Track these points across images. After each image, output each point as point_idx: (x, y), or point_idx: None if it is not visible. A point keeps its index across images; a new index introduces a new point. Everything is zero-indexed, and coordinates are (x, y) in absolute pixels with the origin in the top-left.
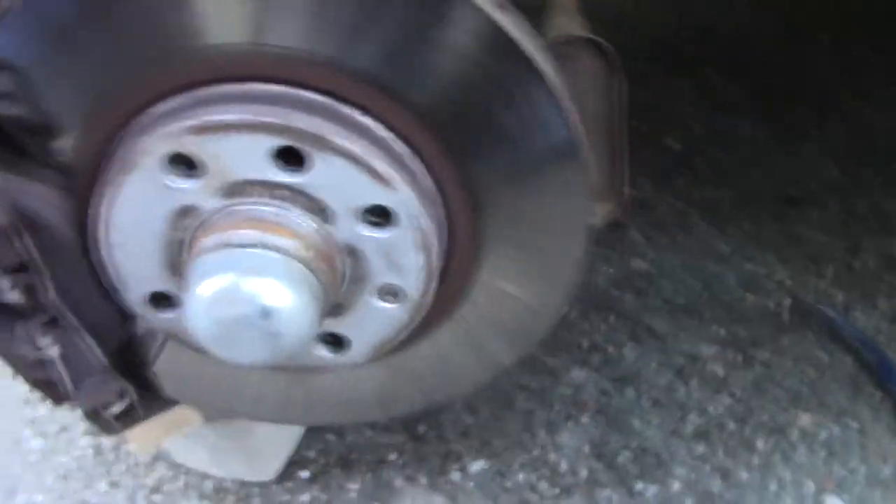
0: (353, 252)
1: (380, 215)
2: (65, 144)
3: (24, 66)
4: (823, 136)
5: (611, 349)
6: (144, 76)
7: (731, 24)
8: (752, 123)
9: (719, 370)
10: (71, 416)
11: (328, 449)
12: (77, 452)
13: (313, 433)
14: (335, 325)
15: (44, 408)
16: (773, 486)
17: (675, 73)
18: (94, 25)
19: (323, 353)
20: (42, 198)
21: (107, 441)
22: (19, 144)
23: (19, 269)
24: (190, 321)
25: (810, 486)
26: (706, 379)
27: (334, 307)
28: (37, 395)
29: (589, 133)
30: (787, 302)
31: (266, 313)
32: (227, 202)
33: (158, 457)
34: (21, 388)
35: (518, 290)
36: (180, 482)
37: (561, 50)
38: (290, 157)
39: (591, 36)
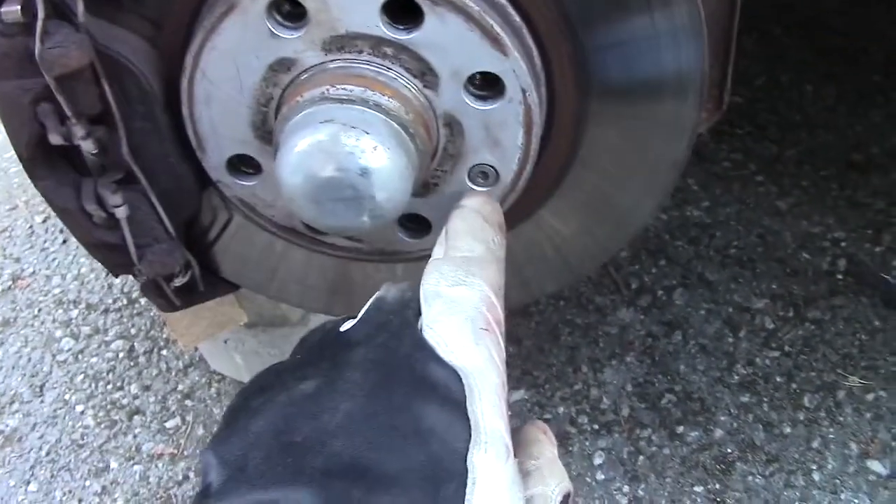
0: (451, 122)
1: (485, 87)
2: None
3: None
4: (889, 102)
5: (660, 293)
6: None
7: None
8: (816, 82)
9: (769, 323)
10: (104, 319)
11: None
12: (109, 355)
13: None
14: (418, 206)
15: (77, 310)
16: (815, 444)
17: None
18: None
19: (400, 234)
20: (128, 44)
21: (140, 345)
22: None
23: (95, 121)
24: (280, 177)
25: (853, 448)
26: (755, 331)
27: (421, 185)
28: (71, 297)
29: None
30: (843, 263)
31: (364, 172)
32: (328, 57)
33: (192, 364)
34: (56, 289)
35: (586, 222)
36: (213, 389)
37: None
38: (400, 14)
39: None
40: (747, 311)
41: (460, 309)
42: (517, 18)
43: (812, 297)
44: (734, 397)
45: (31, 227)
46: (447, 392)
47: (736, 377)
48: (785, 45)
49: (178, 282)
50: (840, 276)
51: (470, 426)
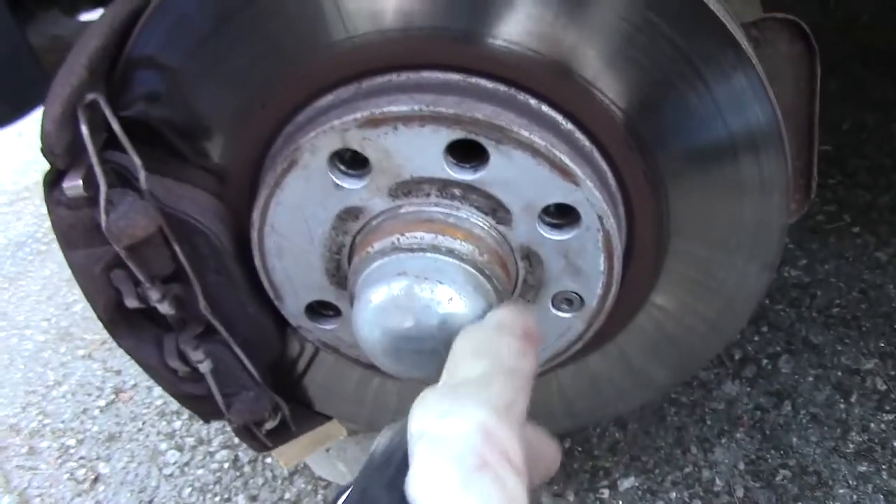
0: (529, 255)
1: (560, 215)
2: (218, 146)
3: (171, 65)
4: None
5: (765, 361)
6: (305, 68)
7: (876, 17)
8: None
9: (881, 384)
10: (207, 429)
11: None
12: (214, 466)
13: None
14: None
15: (180, 421)
16: None
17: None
18: (244, 16)
19: None
20: (194, 201)
21: (244, 455)
22: (169, 146)
23: (169, 279)
24: (358, 332)
25: None
26: (867, 394)
27: None
28: (174, 407)
29: (787, 125)
30: None
31: (443, 323)
32: (395, 203)
33: (297, 471)
34: (158, 401)
35: (694, 304)
36: (319, 496)
37: (753, 33)
38: (465, 152)
39: (790, 17)
40: (857, 373)
41: (445, 449)
42: (586, 143)
43: None
44: (851, 467)
45: None
46: None
47: (851, 446)
48: (868, 85)
49: (268, 425)
50: None
51: None
